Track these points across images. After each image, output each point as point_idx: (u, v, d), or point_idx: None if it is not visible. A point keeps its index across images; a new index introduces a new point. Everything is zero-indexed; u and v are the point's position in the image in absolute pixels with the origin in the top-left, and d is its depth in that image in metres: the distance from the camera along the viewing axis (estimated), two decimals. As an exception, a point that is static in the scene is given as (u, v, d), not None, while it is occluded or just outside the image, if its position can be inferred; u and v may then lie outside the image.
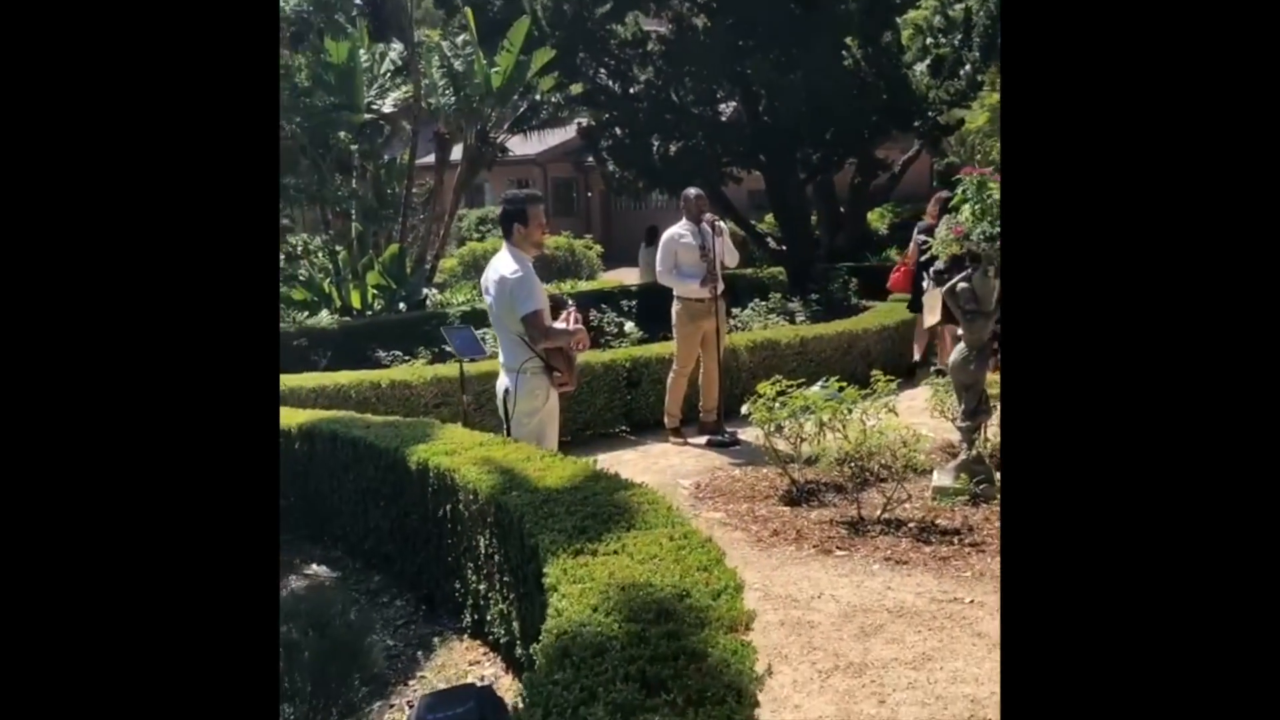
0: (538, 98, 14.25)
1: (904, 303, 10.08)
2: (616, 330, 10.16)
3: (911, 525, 4.96)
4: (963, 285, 5.39)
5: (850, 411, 5.77)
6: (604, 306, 11.25)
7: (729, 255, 6.98)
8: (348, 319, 13.26)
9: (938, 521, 5.01)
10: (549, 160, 27.48)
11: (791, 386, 5.76)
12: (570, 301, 5.02)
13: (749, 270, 17.25)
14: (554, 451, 4.28)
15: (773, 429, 5.68)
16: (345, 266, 14.37)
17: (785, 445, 5.70)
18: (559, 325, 4.49)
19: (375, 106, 13.89)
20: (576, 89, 14.27)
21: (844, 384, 6.03)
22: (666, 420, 7.10)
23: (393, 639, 3.86)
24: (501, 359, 4.51)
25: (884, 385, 5.95)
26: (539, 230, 4.53)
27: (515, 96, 14.38)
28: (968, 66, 14.34)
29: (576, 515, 3.08)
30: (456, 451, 4.02)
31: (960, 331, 5.52)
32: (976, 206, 5.18)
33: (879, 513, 5.13)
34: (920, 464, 5.28)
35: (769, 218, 18.39)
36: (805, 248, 15.52)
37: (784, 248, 15.74)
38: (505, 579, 3.38)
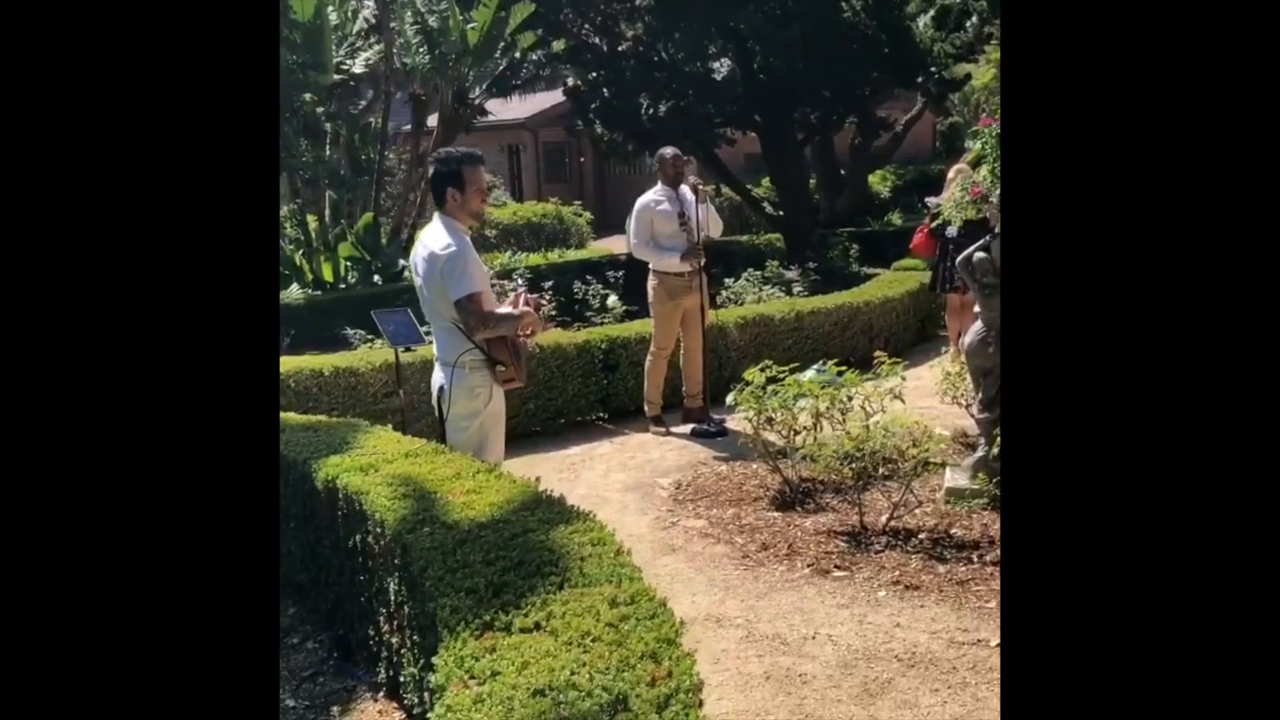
0: (517, 56, 13.43)
1: (913, 270, 9.36)
2: (599, 304, 9.44)
3: (923, 537, 4.27)
4: (980, 255, 4.66)
5: (850, 399, 5.10)
6: (589, 278, 10.52)
7: (713, 224, 6.23)
8: (319, 293, 12.53)
9: (953, 531, 4.31)
10: (540, 124, 26.60)
11: (783, 372, 5.07)
12: (521, 282, 4.31)
13: (744, 237, 16.51)
14: (494, 465, 3.58)
15: (762, 421, 4.99)
16: (316, 237, 13.62)
17: (777, 438, 5.01)
18: (504, 310, 3.77)
19: (345, 67, 13.06)
20: (559, 46, 13.43)
21: (843, 367, 5.35)
22: (646, 408, 6.39)
23: (294, 698, 3.17)
24: (435, 350, 3.79)
25: (889, 368, 5.26)
26: (479, 198, 3.78)
27: (497, 54, 13.56)
28: (974, 18, 13.53)
29: (496, 565, 2.38)
30: (374, 466, 3.32)
31: (976, 307, 4.79)
32: (997, 164, 4.44)
33: (885, 519, 4.44)
34: (932, 458, 4.57)
35: (766, 181, 17.59)
36: (803, 213, 14.75)
37: (781, 213, 14.97)
38: (415, 638, 2.68)
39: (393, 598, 2.85)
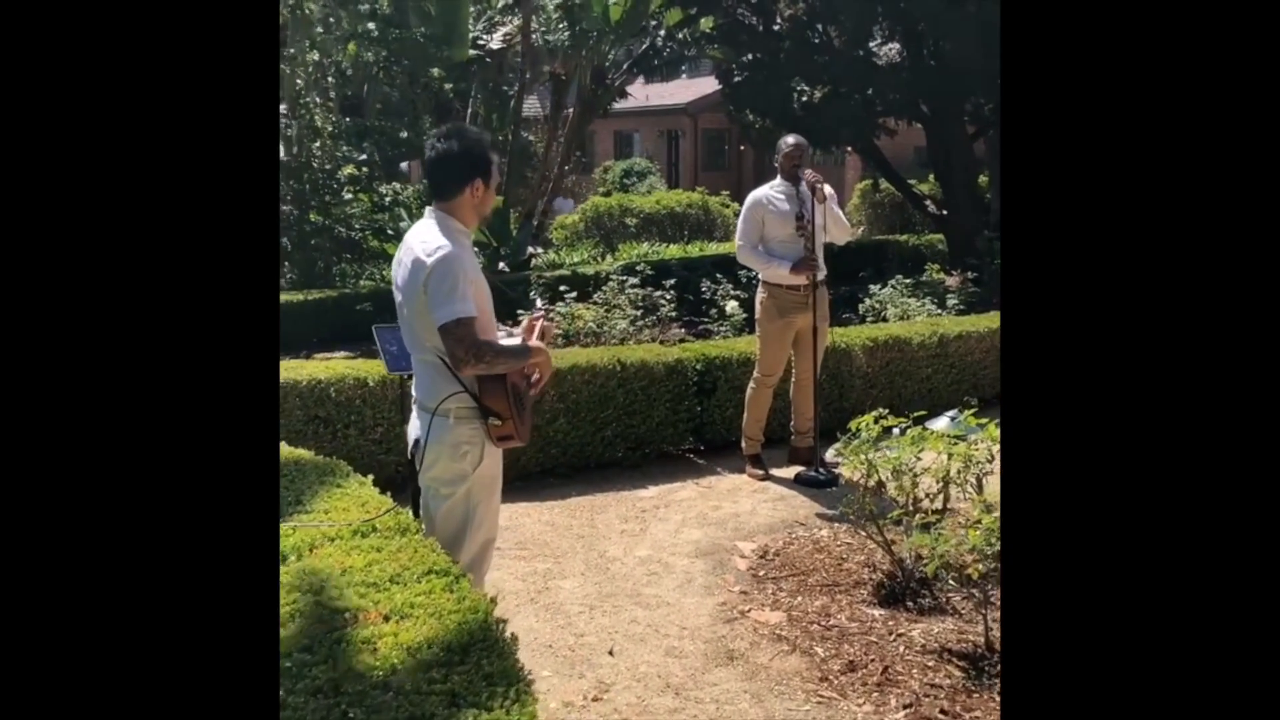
0: (663, 34, 12.52)
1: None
2: (717, 313, 8.45)
3: (1070, 673, 3.14)
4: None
5: (991, 461, 4.03)
6: (719, 276, 9.55)
7: (836, 228, 5.14)
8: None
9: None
10: (700, 110, 25.79)
11: (904, 423, 4.02)
12: (541, 306, 3.40)
13: (904, 237, 15.21)
14: (468, 564, 2.71)
15: (872, 485, 3.95)
16: (444, 220, 13.13)
17: (893, 498, 3.97)
18: (509, 342, 2.87)
19: (481, 42, 12.45)
20: (707, 24, 12.42)
21: (984, 419, 4.28)
22: (744, 445, 5.39)
23: None
24: (414, 390, 2.92)
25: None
26: (492, 197, 2.95)
27: (646, 31, 12.70)
28: None
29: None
30: (297, 551, 2.48)
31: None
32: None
33: (1020, 636, 3.33)
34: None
35: (932, 177, 16.15)
36: (970, 213, 13.30)
37: (944, 212, 13.57)
38: None
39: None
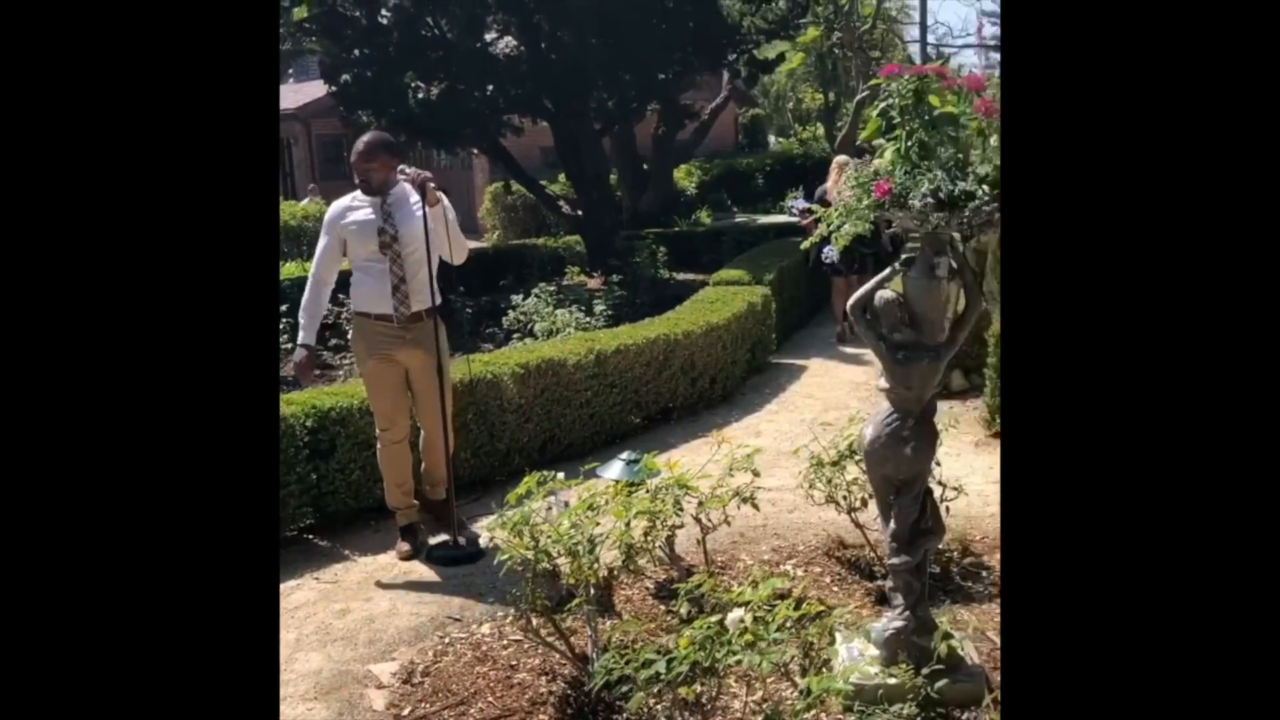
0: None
1: (735, 284, 7.60)
2: (339, 343, 7.25)
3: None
4: (886, 296, 2.81)
5: (681, 512, 3.38)
6: (343, 298, 8.28)
7: (448, 245, 4.11)
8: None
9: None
10: (313, 115, 23.93)
11: (575, 483, 3.18)
12: None
13: (541, 240, 14.60)
14: None
15: (542, 570, 3.04)
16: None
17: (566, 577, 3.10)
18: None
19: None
20: (300, 14, 11.01)
21: (637, 455, 3.67)
22: (398, 517, 4.27)
23: None
24: None
25: (730, 458, 3.60)
26: None
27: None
28: (788, -12, 12.04)
29: None
30: None
31: (881, 381, 2.93)
32: (914, 140, 2.61)
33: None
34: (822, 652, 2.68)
35: (563, 177, 15.65)
36: (605, 212, 12.90)
37: (579, 213, 13.04)
38: None
39: None
